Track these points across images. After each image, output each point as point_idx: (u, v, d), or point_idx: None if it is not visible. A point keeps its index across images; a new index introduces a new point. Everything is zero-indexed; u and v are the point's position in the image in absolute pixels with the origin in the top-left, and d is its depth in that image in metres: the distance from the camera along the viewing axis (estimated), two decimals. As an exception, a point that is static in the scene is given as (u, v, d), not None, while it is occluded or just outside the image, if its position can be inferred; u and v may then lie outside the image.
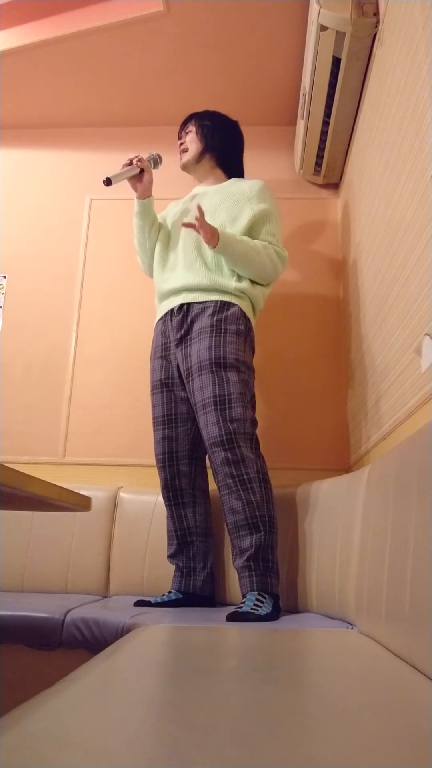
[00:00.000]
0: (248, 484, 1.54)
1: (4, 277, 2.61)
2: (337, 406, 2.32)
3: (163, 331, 1.87)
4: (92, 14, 2.26)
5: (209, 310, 1.74)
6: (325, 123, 2.21)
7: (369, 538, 1.15)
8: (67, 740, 0.48)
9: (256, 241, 1.80)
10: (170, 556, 1.76)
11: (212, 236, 1.69)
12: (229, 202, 1.86)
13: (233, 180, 1.96)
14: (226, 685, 0.68)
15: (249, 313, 1.80)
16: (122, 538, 2.04)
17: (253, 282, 1.82)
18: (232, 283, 1.77)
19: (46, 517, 2.05)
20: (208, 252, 1.81)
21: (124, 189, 2.71)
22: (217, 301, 1.75)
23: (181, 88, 2.51)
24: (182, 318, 1.79)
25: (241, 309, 1.75)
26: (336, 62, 1.93)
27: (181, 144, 2.01)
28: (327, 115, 2.17)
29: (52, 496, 1.09)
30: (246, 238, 1.78)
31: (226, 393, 1.61)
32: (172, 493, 1.76)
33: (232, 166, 2.02)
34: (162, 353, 1.85)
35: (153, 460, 2.27)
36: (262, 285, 1.86)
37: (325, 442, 2.28)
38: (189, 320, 1.77)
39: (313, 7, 1.83)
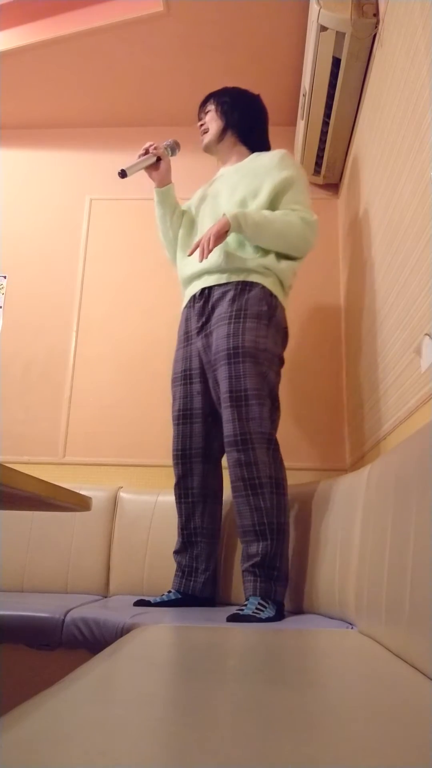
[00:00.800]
0: (258, 489, 1.48)
1: (4, 277, 2.61)
2: (337, 406, 2.32)
3: (186, 317, 1.80)
4: (92, 14, 2.26)
5: (230, 294, 1.66)
6: (325, 123, 2.21)
7: (369, 538, 1.15)
8: (67, 740, 0.48)
9: (277, 211, 1.69)
10: (175, 552, 1.73)
11: (222, 229, 1.60)
12: (249, 177, 1.77)
13: (255, 155, 1.85)
14: (226, 685, 0.68)
15: (277, 291, 1.69)
16: (122, 538, 2.04)
17: (279, 256, 1.71)
18: (254, 260, 1.67)
19: (46, 517, 2.05)
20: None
21: (124, 189, 2.71)
22: (238, 282, 1.66)
23: (181, 88, 2.51)
24: (203, 304, 1.72)
25: (264, 288, 1.65)
26: (336, 62, 1.93)
27: (202, 125, 1.92)
28: (327, 115, 2.17)
29: (52, 496, 1.09)
30: (264, 211, 1.68)
31: (241, 388, 1.54)
32: (183, 491, 1.72)
33: (255, 141, 1.91)
34: (185, 343, 1.79)
35: (153, 460, 2.29)
36: (290, 259, 1.74)
37: (325, 442, 2.28)
38: (210, 306, 1.70)
39: (313, 8, 1.83)
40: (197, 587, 1.68)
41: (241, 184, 1.75)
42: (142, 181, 2.69)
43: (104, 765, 0.42)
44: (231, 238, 1.71)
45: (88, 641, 1.46)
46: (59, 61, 2.41)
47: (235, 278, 1.67)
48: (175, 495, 1.74)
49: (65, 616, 1.51)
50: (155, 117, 2.69)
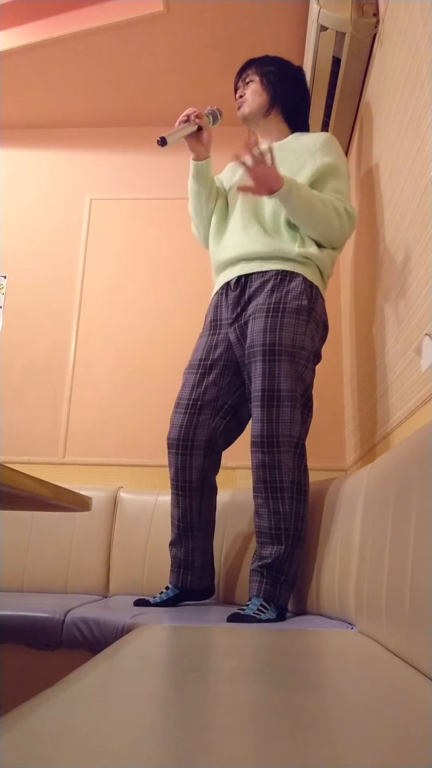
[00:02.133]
0: (279, 493, 1.44)
1: (4, 277, 2.61)
2: (337, 406, 2.32)
3: (216, 304, 1.70)
4: (92, 14, 2.26)
5: (269, 285, 1.57)
6: (325, 123, 2.22)
7: (369, 538, 1.15)
8: (67, 740, 0.48)
9: (326, 195, 1.60)
10: (171, 544, 1.69)
11: (272, 183, 1.49)
12: (290, 158, 1.67)
13: (296, 134, 1.76)
14: (226, 685, 0.68)
15: (317, 282, 1.61)
16: (122, 538, 2.04)
17: (319, 245, 1.62)
18: (295, 248, 1.58)
19: (46, 517, 2.05)
20: (266, 216, 1.64)
21: (124, 189, 2.71)
22: (278, 271, 1.57)
23: (181, 88, 2.51)
24: (240, 293, 1.63)
25: (305, 279, 1.57)
26: (336, 62, 1.93)
27: (240, 97, 1.80)
28: (327, 115, 2.18)
29: (52, 496, 1.09)
30: (314, 191, 1.59)
31: (275, 388, 1.47)
32: (181, 483, 1.65)
33: (298, 120, 1.81)
34: (210, 331, 1.69)
35: (153, 460, 2.28)
36: (328, 248, 1.65)
37: (325, 442, 2.28)
38: (247, 296, 1.61)
39: (313, 8, 1.83)
40: (195, 580, 1.66)
41: (282, 164, 1.61)
42: (142, 180, 2.70)
43: (104, 765, 0.42)
44: (270, 224, 1.63)
45: (88, 641, 1.46)
46: (59, 61, 2.41)
47: (274, 267, 1.58)
48: (172, 486, 1.67)
49: (65, 616, 1.51)
50: (155, 117, 2.69)
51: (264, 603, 1.40)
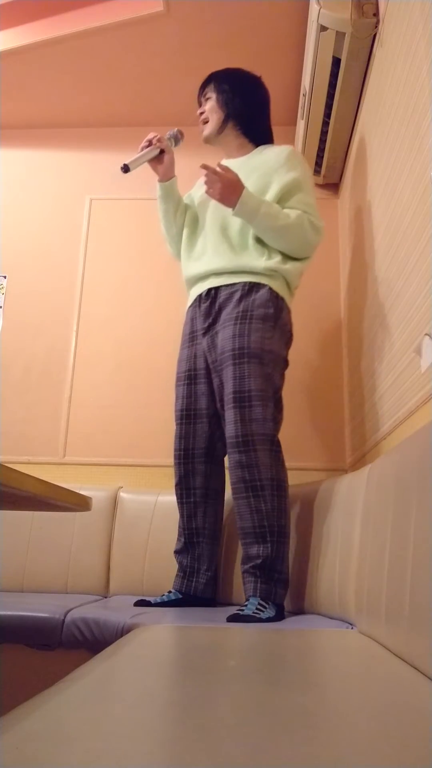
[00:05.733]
0: (259, 491, 1.47)
1: (4, 277, 2.61)
2: (336, 406, 2.32)
3: (192, 317, 1.78)
4: (92, 14, 2.26)
5: (237, 295, 1.63)
6: (325, 123, 2.21)
7: (369, 538, 1.15)
8: (67, 740, 0.48)
9: (290, 210, 1.65)
10: (176, 552, 1.72)
11: (230, 191, 1.56)
12: (254, 175, 1.70)
13: (259, 149, 1.81)
14: (226, 685, 0.68)
15: (283, 292, 1.67)
16: (122, 538, 2.04)
17: (285, 257, 1.68)
18: (261, 263, 1.64)
19: (46, 517, 2.05)
20: (233, 233, 1.69)
21: (124, 189, 2.71)
22: (245, 284, 1.63)
23: (181, 88, 2.51)
24: (210, 304, 1.69)
25: (271, 290, 1.63)
26: (336, 62, 1.92)
27: (201, 113, 1.85)
28: (327, 115, 2.17)
29: (52, 496, 1.09)
30: (276, 205, 1.64)
31: (246, 389, 1.52)
32: (185, 491, 1.70)
33: (258, 132, 1.84)
34: (189, 343, 1.76)
35: (153, 460, 2.28)
36: (296, 260, 1.71)
37: (325, 441, 2.28)
38: (217, 306, 1.68)
39: (313, 8, 1.83)
40: (199, 588, 1.67)
41: (248, 181, 1.68)
42: (142, 180, 2.69)
43: (104, 765, 0.42)
44: (237, 241, 1.69)
45: (88, 641, 1.46)
46: (59, 61, 2.40)
47: (242, 279, 1.65)
48: (177, 495, 1.73)
49: (65, 616, 1.51)
50: (155, 117, 2.69)
51: (262, 602, 1.41)
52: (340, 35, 1.82)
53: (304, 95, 2.19)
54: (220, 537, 1.76)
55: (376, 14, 1.78)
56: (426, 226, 1.31)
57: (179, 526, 1.73)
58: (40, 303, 2.56)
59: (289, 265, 1.68)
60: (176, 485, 1.73)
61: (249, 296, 1.62)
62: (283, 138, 2.65)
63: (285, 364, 1.69)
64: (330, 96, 2.08)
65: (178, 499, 1.73)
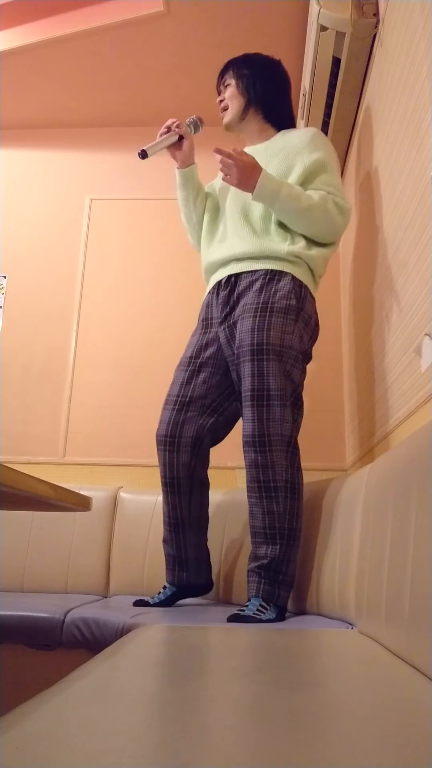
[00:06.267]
0: (273, 493, 1.44)
1: (4, 277, 2.61)
2: (337, 406, 2.32)
3: (208, 303, 1.72)
4: (92, 14, 2.26)
5: (257, 284, 1.57)
6: (325, 123, 2.21)
7: (369, 538, 1.15)
8: (67, 740, 0.48)
9: (313, 192, 1.59)
10: (163, 541, 1.69)
11: (247, 175, 1.51)
12: (277, 159, 1.66)
13: (281, 133, 1.76)
14: (226, 685, 0.68)
15: (307, 281, 1.60)
16: (122, 538, 2.04)
17: (309, 243, 1.62)
18: (285, 247, 1.57)
19: (46, 517, 2.05)
20: (255, 218, 1.64)
21: (124, 189, 2.71)
22: (267, 270, 1.57)
23: (181, 88, 2.51)
24: (229, 292, 1.63)
25: (294, 278, 1.57)
26: (336, 62, 1.93)
27: (221, 101, 1.80)
28: (327, 115, 2.17)
29: (52, 496, 1.09)
30: (295, 185, 1.58)
31: (264, 388, 1.47)
32: (169, 479, 1.65)
33: (280, 117, 1.80)
34: (202, 329, 1.71)
35: (153, 461, 2.25)
36: (321, 246, 1.65)
37: (325, 442, 2.28)
38: (236, 295, 1.62)
39: (313, 8, 1.83)
40: (191, 576, 1.65)
41: (270, 164, 1.64)
42: (142, 180, 2.70)
43: (104, 765, 0.42)
44: (259, 225, 1.63)
45: (88, 641, 1.46)
46: (59, 61, 2.41)
47: (264, 266, 1.58)
48: (162, 483, 1.67)
49: (65, 616, 1.51)
50: (155, 117, 2.68)
51: (263, 603, 1.40)
52: (340, 35, 1.83)
53: (304, 95, 2.19)
54: (207, 524, 1.72)
55: (376, 14, 1.78)
56: (426, 226, 1.31)
57: (163, 513, 1.68)
58: (40, 303, 2.56)
59: (314, 251, 1.62)
60: (162, 473, 1.67)
61: (270, 286, 1.56)
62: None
63: (306, 359, 1.62)
64: (330, 96, 2.08)
65: (162, 486, 1.67)
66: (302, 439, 2.29)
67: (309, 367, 2.40)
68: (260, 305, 1.54)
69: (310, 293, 1.62)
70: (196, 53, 2.34)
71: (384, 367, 1.69)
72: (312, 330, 1.63)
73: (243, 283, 1.61)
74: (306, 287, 1.60)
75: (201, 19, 2.19)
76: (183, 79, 2.48)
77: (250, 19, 2.17)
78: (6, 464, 0.87)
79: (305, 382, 2.23)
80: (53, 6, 2.29)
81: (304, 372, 1.61)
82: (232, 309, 1.62)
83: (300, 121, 2.33)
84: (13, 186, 2.75)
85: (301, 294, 1.58)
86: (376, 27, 1.79)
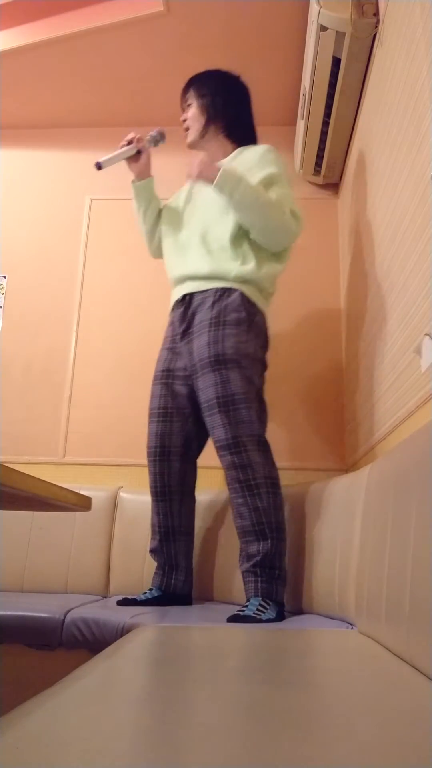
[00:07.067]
0: (255, 490, 1.50)
1: (4, 277, 2.61)
2: (336, 406, 2.32)
3: (171, 321, 1.81)
4: (92, 14, 2.26)
5: (209, 301, 1.66)
6: (325, 123, 2.21)
7: (369, 538, 1.15)
8: (67, 740, 0.48)
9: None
10: (152, 551, 1.73)
11: (207, 165, 1.61)
12: None
13: (239, 150, 1.81)
14: (226, 685, 0.68)
15: (255, 298, 1.68)
16: (122, 538, 2.04)
17: (260, 263, 1.69)
18: (234, 268, 1.66)
19: (46, 517, 2.05)
20: (211, 238, 1.71)
21: (124, 189, 2.70)
22: (217, 289, 1.66)
23: (182, 88, 2.50)
24: (185, 310, 1.73)
25: (243, 294, 1.65)
26: (336, 62, 1.92)
27: (184, 121, 1.88)
28: (327, 115, 2.17)
29: (52, 496, 1.09)
30: (260, 187, 1.66)
31: (229, 393, 1.55)
32: (160, 489, 1.71)
33: (240, 133, 1.86)
34: (169, 344, 1.79)
35: (153, 460, 2.28)
36: (271, 263, 1.72)
37: (325, 442, 2.28)
38: (191, 312, 1.71)
39: (313, 8, 1.83)
40: (178, 585, 1.70)
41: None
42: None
43: (103, 765, 0.42)
44: (214, 246, 1.70)
45: (88, 641, 1.46)
46: (59, 61, 2.40)
47: (214, 285, 1.67)
48: (152, 492, 1.73)
49: (65, 616, 1.51)
50: (155, 117, 2.68)
51: (263, 602, 1.41)
52: (340, 35, 1.82)
53: (304, 95, 2.19)
54: (194, 534, 1.78)
55: (376, 14, 1.78)
56: (426, 226, 1.31)
57: (153, 524, 1.73)
58: (40, 303, 2.56)
59: (264, 272, 1.69)
60: (151, 484, 1.73)
61: (221, 301, 1.65)
62: (283, 138, 2.66)
63: (264, 366, 1.71)
64: (330, 96, 2.08)
65: (152, 496, 1.73)
66: (302, 440, 2.30)
67: (309, 367, 2.41)
68: (213, 319, 1.63)
69: (260, 309, 1.70)
70: (196, 53, 2.33)
71: (384, 367, 1.69)
72: (263, 341, 1.71)
73: (196, 301, 1.70)
74: (254, 304, 1.68)
75: (201, 19, 2.19)
76: (183, 79, 2.47)
77: (250, 19, 2.17)
78: (6, 464, 0.87)
79: (305, 383, 2.25)
80: (53, 6, 2.29)
81: (263, 378, 1.69)
82: (189, 325, 1.71)
83: (300, 121, 2.33)
84: (13, 186, 2.74)
85: (251, 309, 1.66)
86: (376, 27, 1.79)
